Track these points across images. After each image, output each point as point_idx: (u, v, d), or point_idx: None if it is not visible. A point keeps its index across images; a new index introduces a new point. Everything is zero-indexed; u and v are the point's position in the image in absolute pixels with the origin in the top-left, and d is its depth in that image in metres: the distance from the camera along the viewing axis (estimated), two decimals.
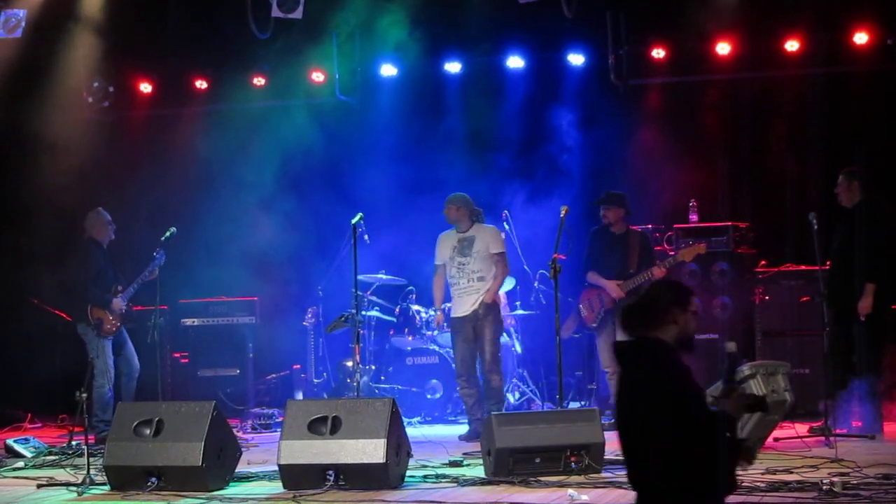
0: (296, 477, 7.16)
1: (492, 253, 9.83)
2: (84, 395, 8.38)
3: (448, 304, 10.15)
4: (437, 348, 11.41)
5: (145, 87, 13.50)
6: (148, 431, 7.37)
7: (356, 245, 9.27)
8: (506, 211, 11.46)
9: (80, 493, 7.32)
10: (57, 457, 8.99)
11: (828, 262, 9.43)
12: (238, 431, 10.05)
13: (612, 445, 8.53)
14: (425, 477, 7.52)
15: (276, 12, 11.18)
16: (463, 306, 9.90)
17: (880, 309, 9.13)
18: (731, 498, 6.32)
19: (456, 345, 10.00)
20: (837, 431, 8.74)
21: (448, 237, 10.02)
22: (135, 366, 10.38)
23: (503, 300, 12.12)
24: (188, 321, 12.06)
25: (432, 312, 11.51)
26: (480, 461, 7.67)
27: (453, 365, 11.28)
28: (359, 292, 9.56)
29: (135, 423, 7.42)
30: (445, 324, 10.26)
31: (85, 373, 8.54)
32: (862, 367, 8.94)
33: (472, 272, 9.85)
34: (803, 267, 10.56)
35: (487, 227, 10.02)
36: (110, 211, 10.72)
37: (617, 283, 9.97)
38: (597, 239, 10.31)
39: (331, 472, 7.08)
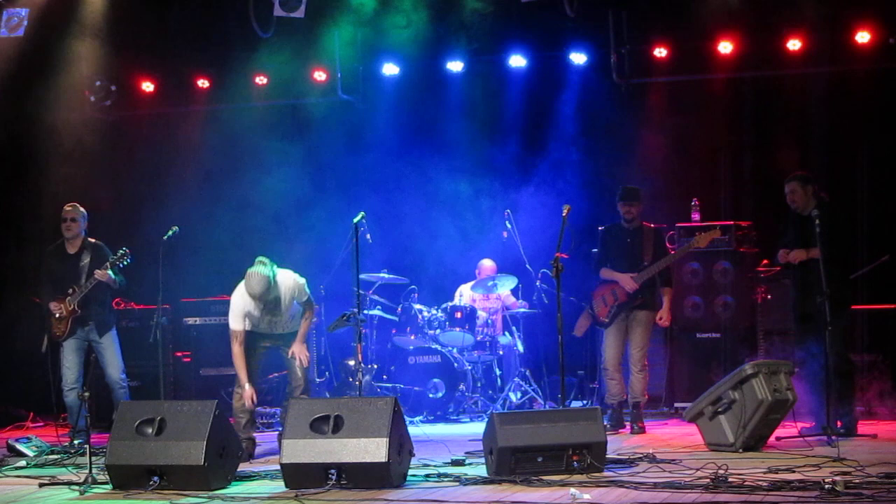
0: (298, 476, 7.16)
1: (300, 303, 9.01)
2: (86, 394, 8.39)
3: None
4: (438, 347, 11.41)
5: (147, 86, 13.51)
6: (150, 430, 7.37)
7: (358, 244, 9.26)
8: (508, 210, 11.47)
9: (82, 493, 7.31)
10: (59, 456, 8.99)
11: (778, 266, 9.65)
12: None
13: (614, 445, 8.58)
14: (427, 476, 7.52)
15: (278, 11, 11.19)
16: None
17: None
18: (732, 497, 6.36)
19: None
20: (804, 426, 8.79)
21: (247, 304, 8.75)
22: (110, 377, 10.12)
23: (508, 296, 12.15)
24: (190, 320, 12.05)
25: (434, 312, 11.52)
26: (483, 460, 7.66)
27: (455, 364, 11.30)
28: (361, 291, 9.55)
29: (137, 422, 7.42)
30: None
31: (87, 373, 8.57)
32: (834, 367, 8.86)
33: (286, 323, 9.04)
34: None
35: (285, 279, 8.83)
36: (110, 209, 10.67)
37: (631, 276, 9.97)
38: (609, 236, 10.30)
39: (333, 471, 7.08)
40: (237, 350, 8.80)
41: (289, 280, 8.84)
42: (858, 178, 11.54)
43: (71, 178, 12.35)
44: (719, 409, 8.40)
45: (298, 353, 8.95)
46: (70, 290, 9.98)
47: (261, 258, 8.71)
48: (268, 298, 8.67)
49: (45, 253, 10.40)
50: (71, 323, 10.01)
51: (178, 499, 7.02)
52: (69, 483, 7.57)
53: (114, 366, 10.13)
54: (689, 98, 12.32)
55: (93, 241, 10.24)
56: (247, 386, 8.74)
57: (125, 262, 9.95)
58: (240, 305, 8.77)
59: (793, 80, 11.97)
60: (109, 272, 9.89)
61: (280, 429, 9.03)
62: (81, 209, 10.22)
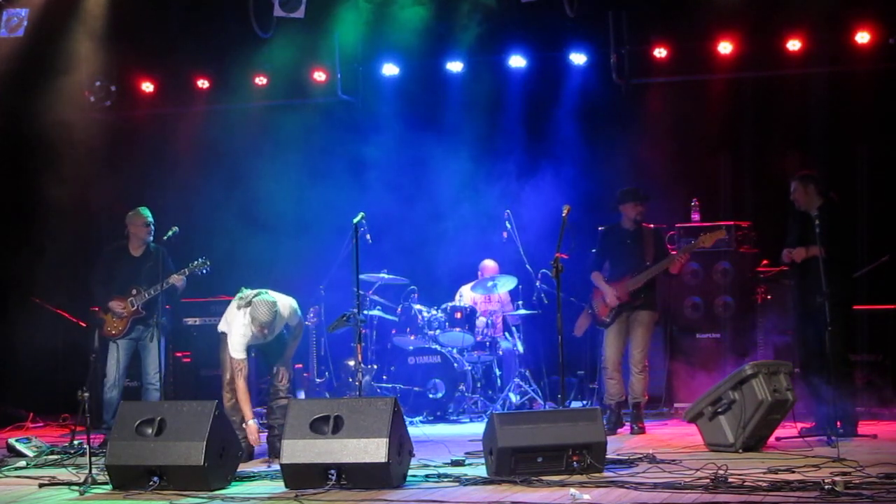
0: (298, 476, 7.17)
1: (291, 326, 9.05)
2: (86, 394, 8.38)
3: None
4: (438, 347, 11.41)
5: (147, 87, 13.51)
6: (150, 431, 7.37)
7: (358, 244, 9.26)
8: (508, 210, 11.47)
9: (81, 493, 7.31)
10: (59, 456, 8.99)
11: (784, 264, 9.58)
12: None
13: (614, 445, 8.58)
14: (427, 476, 7.52)
15: (278, 11, 11.18)
16: None
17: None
18: (732, 497, 6.36)
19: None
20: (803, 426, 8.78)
21: (249, 333, 8.64)
22: (149, 377, 10.17)
23: (506, 298, 12.16)
24: (190, 320, 12.05)
25: (434, 312, 11.52)
26: (482, 460, 7.66)
27: (455, 364, 11.30)
28: (361, 291, 9.55)
29: (137, 423, 7.42)
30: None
31: (87, 373, 8.55)
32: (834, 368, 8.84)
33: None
34: None
35: (282, 308, 8.75)
36: (110, 209, 10.65)
37: (628, 279, 9.96)
38: (609, 238, 10.29)
39: (333, 471, 7.08)
40: (242, 385, 8.59)
41: (285, 310, 8.83)
42: (858, 178, 11.52)
43: (71, 178, 12.34)
44: (719, 410, 8.40)
45: (283, 371, 9.00)
46: (134, 291, 10.03)
47: (262, 292, 8.61)
48: (272, 326, 8.63)
49: (105, 252, 10.47)
50: (130, 323, 10.06)
51: (177, 499, 7.02)
52: (69, 483, 7.57)
53: (154, 367, 10.17)
54: (689, 98, 12.31)
55: (156, 245, 10.28)
56: (251, 422, 8.62)
57: (204, 271, 9.99)
58: (244, 334, 8.62)
59: (793, 80, 11.97)
60: (184, 279, 9.95)
61: (266, 430, 9.03)
62: None
